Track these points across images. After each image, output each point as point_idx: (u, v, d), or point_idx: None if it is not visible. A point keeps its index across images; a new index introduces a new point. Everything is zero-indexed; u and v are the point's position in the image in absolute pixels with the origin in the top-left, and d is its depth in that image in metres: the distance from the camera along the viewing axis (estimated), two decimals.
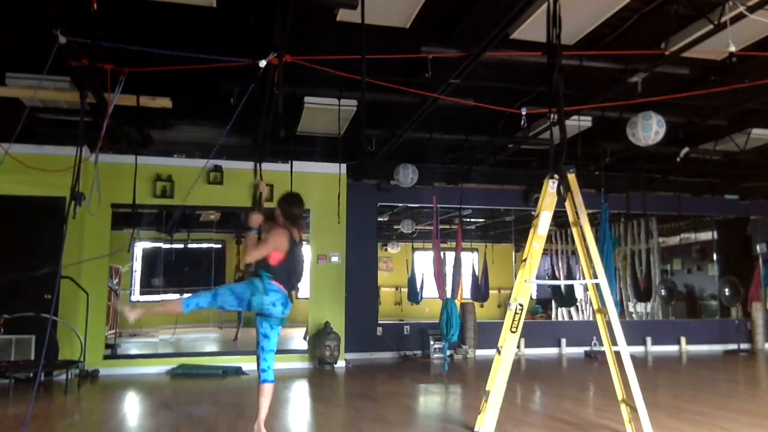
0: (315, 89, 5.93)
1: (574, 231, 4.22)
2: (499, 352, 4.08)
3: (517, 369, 7.82)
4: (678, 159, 7.92)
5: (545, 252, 10.99)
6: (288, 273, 3.93)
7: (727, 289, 9.88)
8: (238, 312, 10.55)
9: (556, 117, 4.22)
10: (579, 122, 6.71)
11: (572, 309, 12.56)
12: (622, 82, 5.53)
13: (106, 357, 7.44)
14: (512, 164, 8.96)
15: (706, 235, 11.63)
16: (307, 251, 8.89)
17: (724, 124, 6.98)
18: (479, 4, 4.48)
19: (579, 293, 11.55)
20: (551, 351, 9.61)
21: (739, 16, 4.27)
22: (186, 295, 3.91)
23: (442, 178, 9.13)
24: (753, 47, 4.85)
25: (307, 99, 6.07)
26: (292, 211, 4.06)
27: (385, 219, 12.13)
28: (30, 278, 5.32)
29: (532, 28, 4.47)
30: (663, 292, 10.44)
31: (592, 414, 5.06)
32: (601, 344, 4.35)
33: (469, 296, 10.85)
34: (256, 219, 4.02)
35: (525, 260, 4.15)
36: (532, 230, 4.19)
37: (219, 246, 12.44)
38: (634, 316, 12.07)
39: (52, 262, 6.76)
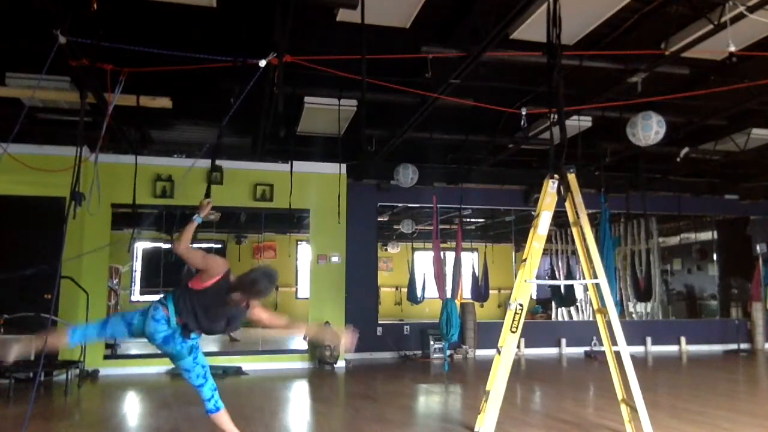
0: (315, 89, 5.94)
1: (574, 231, 4.22)
2: (499, 352, 4.08)
3: (517, 369, 7.81)
4: (678, 159, 7.93)
5: (545, 252, 10.97)
6: (204, 308, 3.30)
7: (734, 289, 9.84)
8: None
9: (556, 117, 4.22)
10: (579, 122, 6.71)
11: (572, 309, 12.55)
12: (622, 82, 5.53)
13: (106, 357, 7.44)
14: (512, 164, 8.96)
15: (706, 235, 11.62)
16: (307, 251, 8.89)
17: (724, 124, 6.99)
18: (479, 4, 4.48)
19: (579, 293, 11.55)
20: (551, 351, 9.61)
21: (739, 16, 4.27)
22: (73, 326, 3.51)
23: (442, 178, 9.12)
24: (753, 47, 4.85)
25: (307, 99, 6.07)
26: (252, 290, 3.32)
27: (385, 219, 12.11)
28: (30, 278, 5.31)
29: (532, 28, 4.47)
30: (665, 295, 10.46)
31: (592, 414, 5.06)
32: (601, 344, 4.35)
33: (469, 296, 10.84)
34: (206, 207, 3.64)
35: (525, 260, 4.15)
36: (532, 230, 4.19)
37: (219, 246, 12.44)
38: (634, 316, 12.06)
39: (52, 262, 6.78)
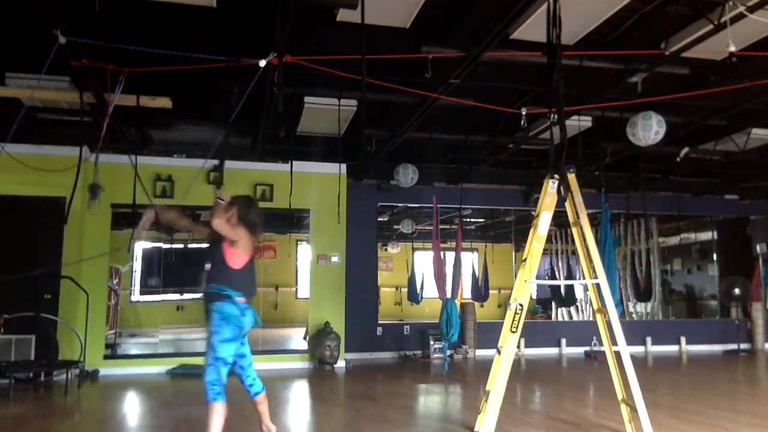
0: (315, 89, 5.94)
1: (574, 231, 4.22)
2: (499, 352, 4.08)
3: (517, 369, 7.81)
4: (678, 159, 7.93)
5: (545, 252, 10.97)
6: (251, 280, 3.64)
7: (737, 289, 9.83)
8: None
9: (556, 117, 4.23)
10: (579, 122, 6.71)
11: (572, 309, 12.55)
12: (622, 82, 5.53)
13: (106, 357, 7.43)
14: (512, 164, 8.96)
15: (706, 235, 11.62)
16: (307, 251, 8.89)
17: (724, 124, 6.99)
18: (479, 4, 4.48)
19: (579, 293, 11.54)
20: (551, 351, 9.61)
21: (739, 16, 4.27)
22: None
23: (442, 178, 9.13)
24: (753, 47, 4.84)
25: (307, 99, 6.07)
26: (249, 215, 3.67)
27: (385, 219, 12.11)
28: (30, 278, 5.32)
29: (532, 28, 4.47)
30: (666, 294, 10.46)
31: (592, 414, 5.06)
32: (601, 344, 4.35)
33: (469, 296, 10.84)
34: (225, 194, 3.78)
35: (525, 260, 4.15)
36: (532, 230, 4.19)
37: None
38: (634, 316, 12.06)
39: (52, 262, 6.80)
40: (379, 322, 9.24)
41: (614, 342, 4.02)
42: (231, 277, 3.52)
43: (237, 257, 3.54)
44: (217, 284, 3.52)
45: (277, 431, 4.01)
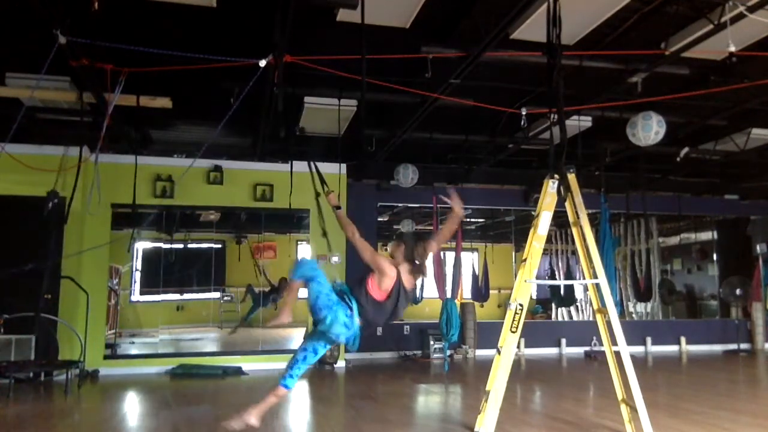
0: (315, 89, 5.94)
1: (574, 231, 4.22)
2: (499, 352, 4.08)
3: (517, 369, 7.81)
4: (678, 159, 7.92)
5: (545, 252, 10.97)
6: (385, 315, 3.51)
7: (738, 289, 9.81)
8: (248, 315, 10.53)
9: (556, 117, 4.22)
10: (579, 122, 6.70)
11: (572, 309, 12.55)
12: (622, 82, 5.53)
13: (106, 357, 7.43)
14: (512, 164, 8.95)
15: (706, 235, 11.62)
16: (307, 251, 8.89)
17: (724, 124, 6.98)
18: (479, 4, 4.48)
19: (579, 293, 11.54)
20: (551, 351, 9.60)
21: (739, 16, 4.27)
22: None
23: (442, 178, 9.12)
24: (753, 47, 4.84)
25: (307, 99, 6.07)
26: (418, 252, 3.48)
27: (385, 219, 12.11)
28: (30, 278, 5.31)
29: (532, 28, 4.48)
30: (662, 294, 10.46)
31: (592, 414, 5.06)
32: (601, 344, 4.35)
33: (469, 296, 10.85)
34: (333, 196, 3.83)
35: (525, 260, 4.15)
36: (532, 230, 4.19)
37: (219, 246, 12.43)
38: (634, 316, 12.06)
39: (51, 255, 6.78)
40: None
41: (614, 342, 4.01)
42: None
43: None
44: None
45: (277, 431, 4.00)
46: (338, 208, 3.74)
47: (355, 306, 3.36)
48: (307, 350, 3.59)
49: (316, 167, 4.53)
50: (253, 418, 3.48)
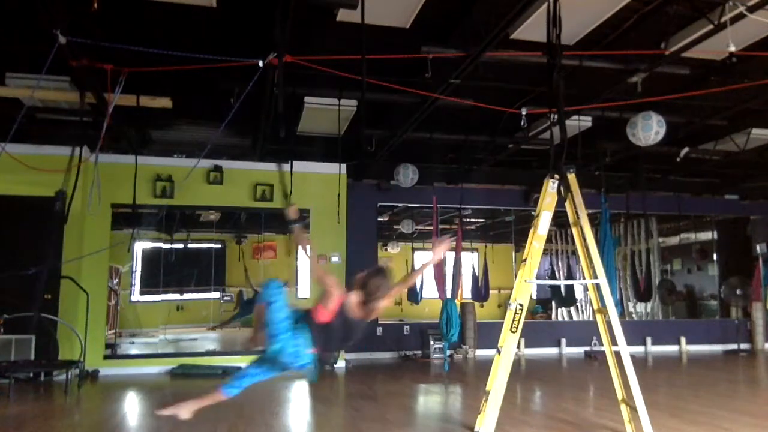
0: (315, 89, 5.94)
1: (574, 231, 4.22)
2: (499, 352, 4.08)
3: (517, 369, 7.81)
4: (678, 159, 7.92)
5: (545, 252, 10.97)
6: (337, 338, 3.36)
7: (738, 289, 9.81)
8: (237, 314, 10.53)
9: (556, 117, 4.22)
10: (579, 122, 6.71)
11: (572, 309, 12.55)
12: (622, 82, 5.53)
13: (106, 357, 7.43)
14: (512, 164, 8.96)
15: (706, 235, 11.61)
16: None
17: (724, 124, 6.99)
18: (479, 4, 4.48)
19: (579, 293, 11.54)
20: (551, 351, 9.60)
21: (739, 16, 4.27)
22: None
23: (442, 178, 9.12)
24: (753, 47, 4.84)
25: (307, 99, 6.07)
26: (372, 285, 3.27)
27: (385, 219, 12.11)
28: (30, 278, 5.31)
29: (532, 28, 4.47)
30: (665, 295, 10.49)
31: (592, 414, 5.06)
32: (601, 344, 4.35)
33: (469, 296, 10.84)
34: (294, 209, 3.60)
35: (525, 260, 4.15)
36: (532, 230, 4.19)
37: (219, 246, 12.43)
38: (634, 316, 12.06)
39: (52, 262, 6.78)
40: (379, 322, 9.23)
41: (614, 342, 4.02)
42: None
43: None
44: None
45: (278, 431, 4.00)
46: (295, 222, 3.57)
47: (307, 335, 3.25)
48: (262, 368, 3.47)
49: (284, 176, 4.36)
50: (185, 412, 3.45)
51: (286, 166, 7.18)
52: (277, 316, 3.22)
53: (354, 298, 3.29)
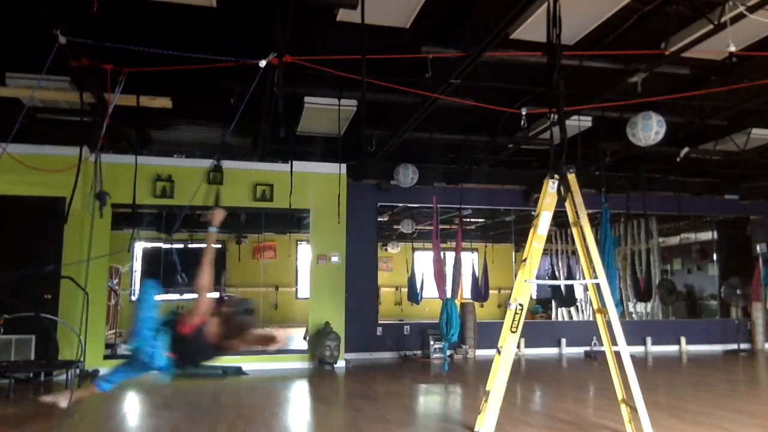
0: (315, 89, 5.94)
1: (574, 231, 4.22)
2: (499, 352, 4.08)
3: (517, 369, 7.81)
4: (678, 159, 7.92)
5: (545, 252, 10.97)
6: (194, 351, 3.42)
7: (738, 289, 9.80)
8: None
9: (556, 117, 4.22)
10: (579, 122, 6.71)
11: (572, 309, 12.55)
12: (622, 82, 5.53)
13: (106, 357, 7.43)
14: (512, 164, 8.96)
15: (706, 235, 11.62)
16: (307, 251, 8.89)
17: (724, 124, 6.98)
18: (479, 4, 4.48)
19: (579, 293, 11.54)
20: (551, 351, 9.60)
21: (739, 16, 4.27)
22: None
23: (442, 178, 9.12)
24: (753, 47, 4.84)
25: (307, 99, 6.07)
26: (236, 320, 3.35)
27: (385, 219, 12.11)
28: (30, 278, 5.32)
29: (532, 28, 4.47)
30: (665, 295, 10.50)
31: (592, 414, 5.06)
32: (601, 344, 4.35)
33: (469, 296, 10.84)
34: (219, 214, 3.59)
35: (525, 260, 4.15)
36: (532, 230, 4.19)
37: (219, 246, 12.46)
38: (634, 316, 12.06)
39: (53, 261, 6.80)
40: (379, 322, 9.24)
41: (614, 342, 4.02)
42: None
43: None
44: None
45: (278, 431, 3.99)
46: (212, 227, 3.55)
47: (167, 340, 3.29)
48: (134, 366, 3.54)
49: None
50: (64, 401, 3.63)
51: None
52: (144, 315, 3.33)
53: (213, 326, 3.32)
